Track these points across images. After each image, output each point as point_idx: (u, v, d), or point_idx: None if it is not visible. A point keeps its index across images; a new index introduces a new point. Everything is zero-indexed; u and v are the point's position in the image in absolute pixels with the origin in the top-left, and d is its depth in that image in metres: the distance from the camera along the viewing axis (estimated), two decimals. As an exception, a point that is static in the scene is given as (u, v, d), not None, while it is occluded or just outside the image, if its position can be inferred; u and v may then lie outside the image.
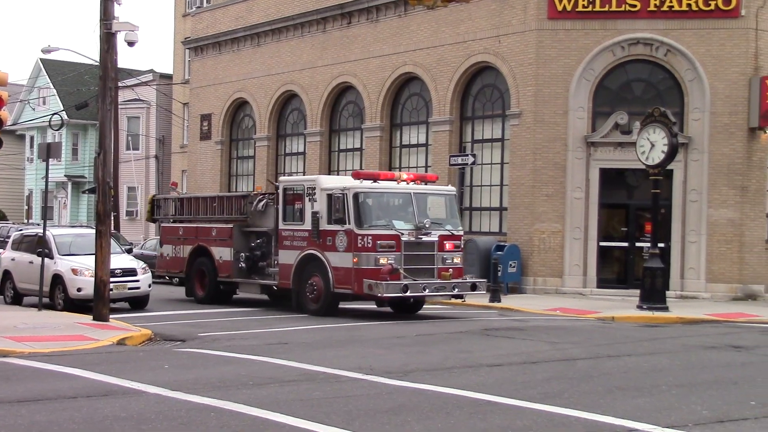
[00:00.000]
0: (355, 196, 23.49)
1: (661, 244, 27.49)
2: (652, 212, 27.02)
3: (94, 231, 31.45)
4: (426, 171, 34.35)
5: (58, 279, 25.59)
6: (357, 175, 24.95)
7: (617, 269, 32.31)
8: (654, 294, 25.51)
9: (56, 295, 25.45)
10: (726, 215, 30.40)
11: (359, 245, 23.18)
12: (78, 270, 25.61)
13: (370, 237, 23.19)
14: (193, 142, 48.25)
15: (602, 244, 31.72)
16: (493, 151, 34.04)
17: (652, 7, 30.88)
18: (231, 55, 44.99)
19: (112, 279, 23.18)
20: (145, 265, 27.52)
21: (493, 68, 33.50)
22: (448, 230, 24.42)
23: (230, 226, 27.38)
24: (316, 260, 24.32)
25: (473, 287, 24.48)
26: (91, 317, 22.20)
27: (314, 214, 24.22)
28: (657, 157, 26.00)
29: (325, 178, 25.78)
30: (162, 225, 31.37)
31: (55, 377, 14.39)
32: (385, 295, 22.89)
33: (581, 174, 31.51)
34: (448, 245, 24.24)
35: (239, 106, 45.26)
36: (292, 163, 42.59)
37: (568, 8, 31.29)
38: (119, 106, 52.66)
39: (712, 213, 30.43)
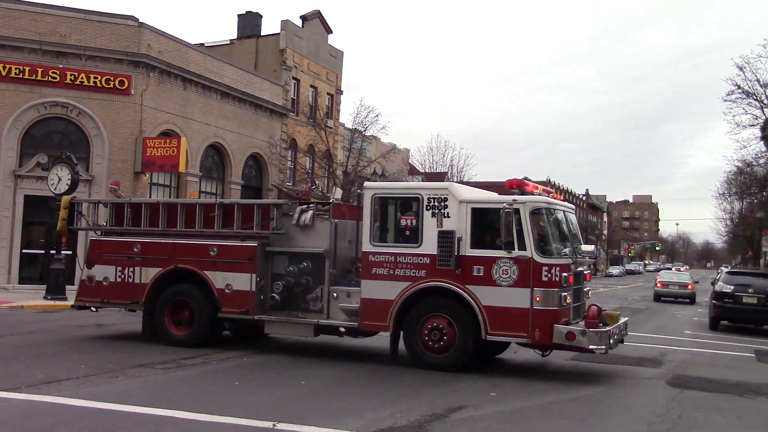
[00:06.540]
0: (536, 212, 12.61)
1: (68, 252, 26.09)
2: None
3: None
4: None
5: None
6: (520, 185, 13.20)
7: (38, 270, 29.82)
8: (57, 288, 24.18)
9: None
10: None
11: (544, 279, 12.25)
12: None
13: (557, 268, 12.32)
14: None
15: (25, 251, 29.25)
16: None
17: (68, 80, 29.39)
18: None
19: None
20: None
21: (-60, 113, 29.52)
22: (589, 257, 14.13)
23: (252, 244, 14.24)
24: (444, 295, 12.86)
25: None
26: None
27: (444, 234, 12.72)
28: (63, 188, 24.53)
29: (461, 187, 13.57)
30: (92, 239, 16.23)
31: None
32: (595, 347, 12.25)
33: (9, 198, 28.85)
34: (586, 275, 13.97)
35: None
36: None
37: (3, 74, 28.63)
38: None
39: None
